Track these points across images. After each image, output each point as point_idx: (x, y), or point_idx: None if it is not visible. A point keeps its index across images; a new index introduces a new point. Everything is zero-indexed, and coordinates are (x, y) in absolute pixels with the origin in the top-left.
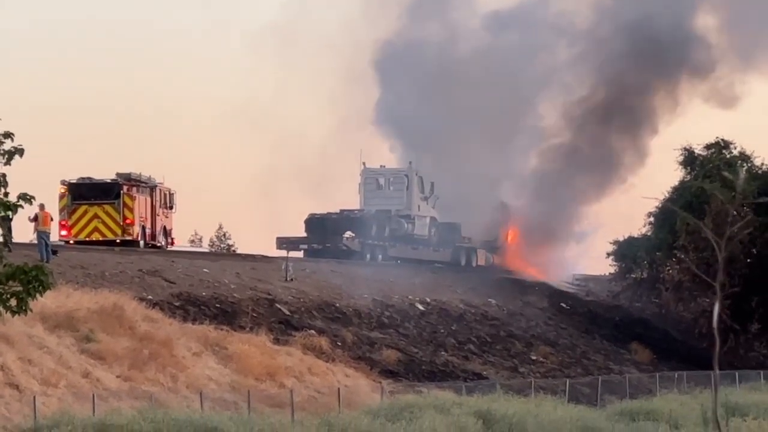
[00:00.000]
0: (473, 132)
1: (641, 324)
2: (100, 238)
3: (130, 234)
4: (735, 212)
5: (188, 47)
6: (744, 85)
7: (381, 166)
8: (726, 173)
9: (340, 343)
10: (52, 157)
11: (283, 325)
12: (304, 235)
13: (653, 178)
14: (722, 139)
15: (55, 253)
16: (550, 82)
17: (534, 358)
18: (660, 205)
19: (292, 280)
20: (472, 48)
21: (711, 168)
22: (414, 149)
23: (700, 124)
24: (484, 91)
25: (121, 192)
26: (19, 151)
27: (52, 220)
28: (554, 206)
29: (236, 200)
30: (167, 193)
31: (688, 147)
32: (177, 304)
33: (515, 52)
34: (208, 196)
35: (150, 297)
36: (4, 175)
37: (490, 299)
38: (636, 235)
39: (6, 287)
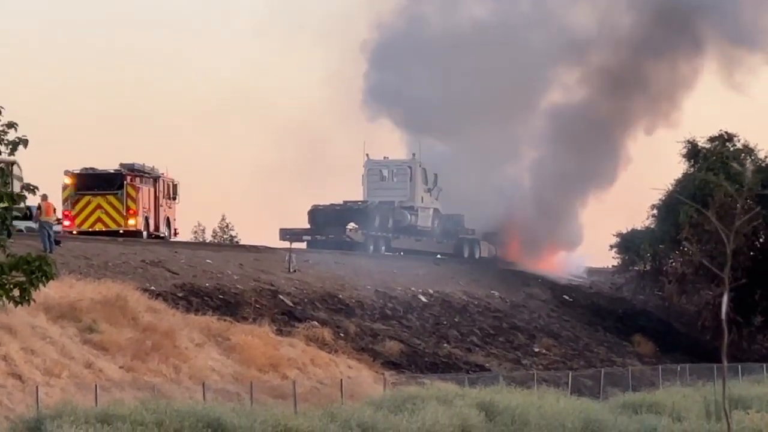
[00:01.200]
0: (477, 111)
1: (644, 316)
2: (104, 229)
3: (133, 225)
4: (738, 205)
5: (190, 36)
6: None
7: (384, 157)
8: (735, 164)
9: (342, 335)
10: (55, 147)
11: (286, 316)
12: (308, 226)
13: (654, 171)
14: (726, 132)
15: (58, 243)
16: (563, 50)
17: (537, 350)
18: (663, 198)
19: (295, 271)
20: (474, 18)
21: (714, 161)
22: (414, 130)
23: (703, 117)
24: (489, 67)
25: (125, 182)
26: (24, 142)
27: (55, 210)
28: (561, 189)
29: (240, 191)
30: (170, 183)
31: (691, 140)
32: (180, 294)
33: (523, 21)
34: (211, 187)
35: (153, 288)
36: (8, 165)
37: (493, 291)
38: (639, 228)
39: (9, 277)
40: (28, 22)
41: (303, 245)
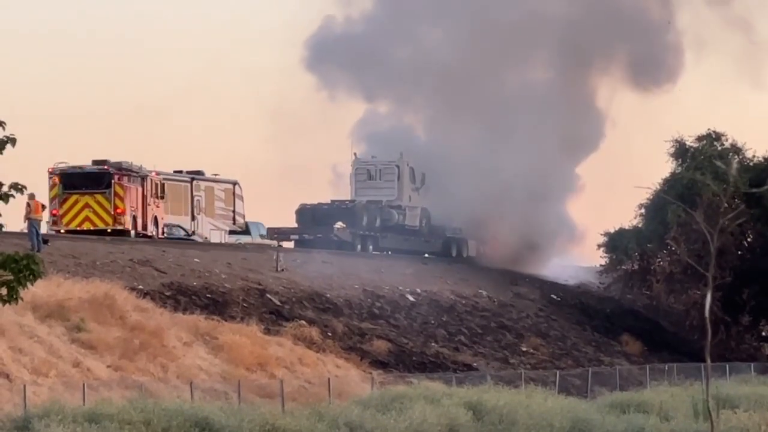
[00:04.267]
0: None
1: (632, 315)
2: (91, 228)
3: (121, 223)
4: (726, 204)
5: (174, 32)
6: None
7: (372, 156)
8: (718, 162)
9: (330, 334)
10: (40, 145)
11: (274, 315)
12: (295, 225)
13: (642, 170)
14: (714, 131)
15: (46, 242)
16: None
17: (524, 349)
18: (651, 197)
19: (282, 270)
20: None
21: (702, 160)
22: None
23: (692, 115)
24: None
25: (113, 181)
26: (12, 141)
27: (43, 208)
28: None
29: None
30: (158, 182)
31: (679, 139)
32: (168, 293)
33: None
34: None
35: (141, 287)
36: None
37: (480, 290)
38: (627, 227)
39: None
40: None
41: (291, 244)
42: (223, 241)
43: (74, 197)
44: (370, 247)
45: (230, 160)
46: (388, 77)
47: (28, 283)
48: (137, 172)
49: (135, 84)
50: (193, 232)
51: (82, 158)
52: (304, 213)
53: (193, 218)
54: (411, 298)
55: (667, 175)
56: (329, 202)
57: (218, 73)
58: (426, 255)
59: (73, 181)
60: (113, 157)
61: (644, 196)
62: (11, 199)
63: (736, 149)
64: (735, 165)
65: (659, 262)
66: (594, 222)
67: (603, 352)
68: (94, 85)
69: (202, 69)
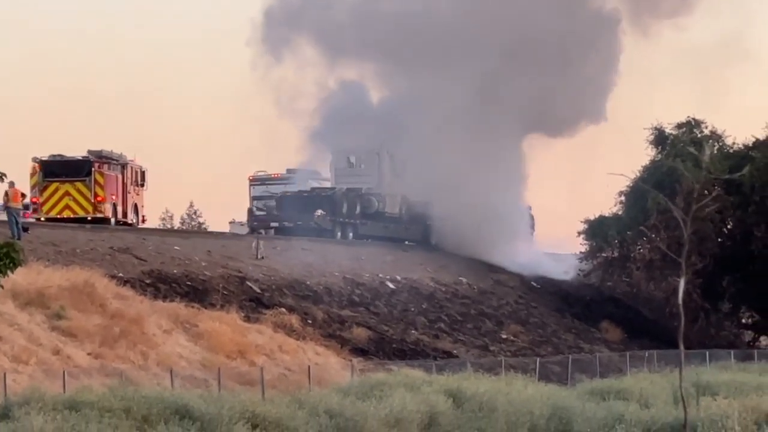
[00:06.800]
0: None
1: (612, 303)
2: (72, 216)
3: (101, 211)
4: (706, 191)
5: (158, 22)
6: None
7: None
8: (692, 149)
9: (310, 321)
10: (21, 133)
11: (254, 302)
12: (275, 212)
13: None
14: (693, 118)
15: (26, 230)
16: None
17: (504, 336)
18: (631, 184)
19: (262, 258)
20: None
21: (681, 147)
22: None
23: (671, 102)
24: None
25: (93, 169)
26: None
27: (23, 196)
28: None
29: (208, 178)
30: (138, 170)
31: (658, 126)
32: (148, 281)
33: None
34: (179, 173)
35: (121, 274)
36: None
37: (460, 278)
38: (607, 214)
39: None
40: None
41: (271, 232)
42: None
43: (54, 185)
44: (350, 234)
45: (214, 146)
46: (358, 52)
47: (9, 271)
48: (117, 160)
49: (97, 73)
50: None
51: (66, 149)
52: (285, 200)
53: None
54: (391, 286)
55: (647, 162)
56: (309, 189)
57: (183, 57)
58: (406, 242)
59: (54, 169)
60: (97, 147)
61: (624, 183)
62: None
63: (715, 136)
64: (708, 151)
65: (639, 249)
66: (576, 209)
67: (583, 340)
68: (71, 76)
69: (166, 55)
